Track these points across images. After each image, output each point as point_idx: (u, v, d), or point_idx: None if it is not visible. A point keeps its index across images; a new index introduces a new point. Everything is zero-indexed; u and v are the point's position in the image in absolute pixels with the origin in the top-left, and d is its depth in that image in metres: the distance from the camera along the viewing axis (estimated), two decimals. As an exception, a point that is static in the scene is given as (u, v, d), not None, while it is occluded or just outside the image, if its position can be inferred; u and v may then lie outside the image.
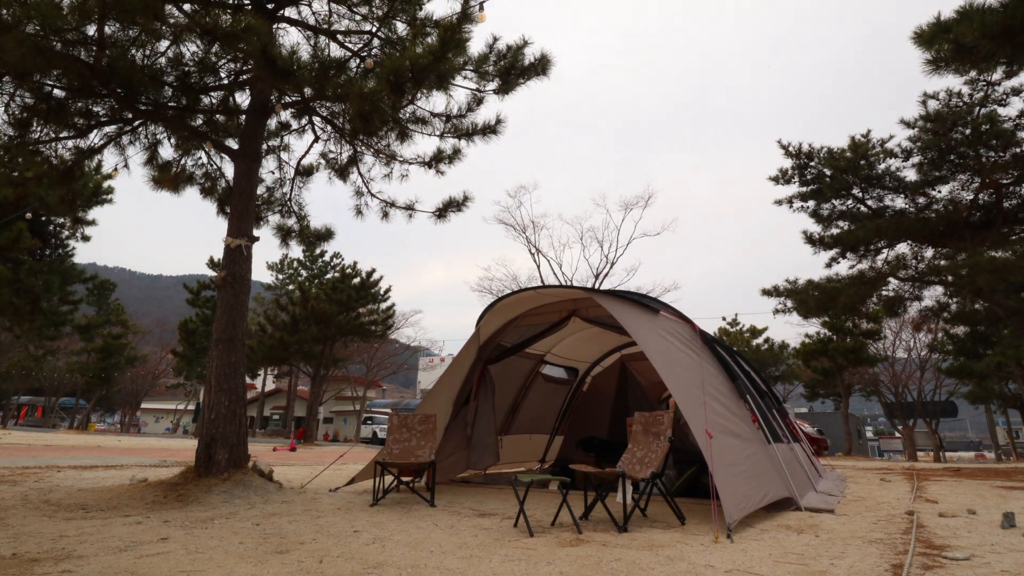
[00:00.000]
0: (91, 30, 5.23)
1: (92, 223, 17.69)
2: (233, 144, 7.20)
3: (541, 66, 6.57)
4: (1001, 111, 11.44)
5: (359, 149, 7.98)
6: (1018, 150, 11.37)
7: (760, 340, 35.40)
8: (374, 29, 6.91)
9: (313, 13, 7.08)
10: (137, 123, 7.03)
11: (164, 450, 14.62)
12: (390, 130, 7.23)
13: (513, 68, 6.54)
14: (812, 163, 14.17)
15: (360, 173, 8.23)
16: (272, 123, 7.95)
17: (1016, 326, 13.24)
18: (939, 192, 13.08)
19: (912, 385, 33.76)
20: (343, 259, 39.71)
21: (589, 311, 7.34)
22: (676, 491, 6.13)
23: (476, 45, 7.45)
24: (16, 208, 12.06)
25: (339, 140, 7.91)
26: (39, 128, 6.45)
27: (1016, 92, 11.22)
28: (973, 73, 9.80)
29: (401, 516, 4.66)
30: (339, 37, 6.98)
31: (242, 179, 6.42)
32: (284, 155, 8.48)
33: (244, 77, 7.04)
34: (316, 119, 7.70)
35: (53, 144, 6.78)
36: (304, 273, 37.56)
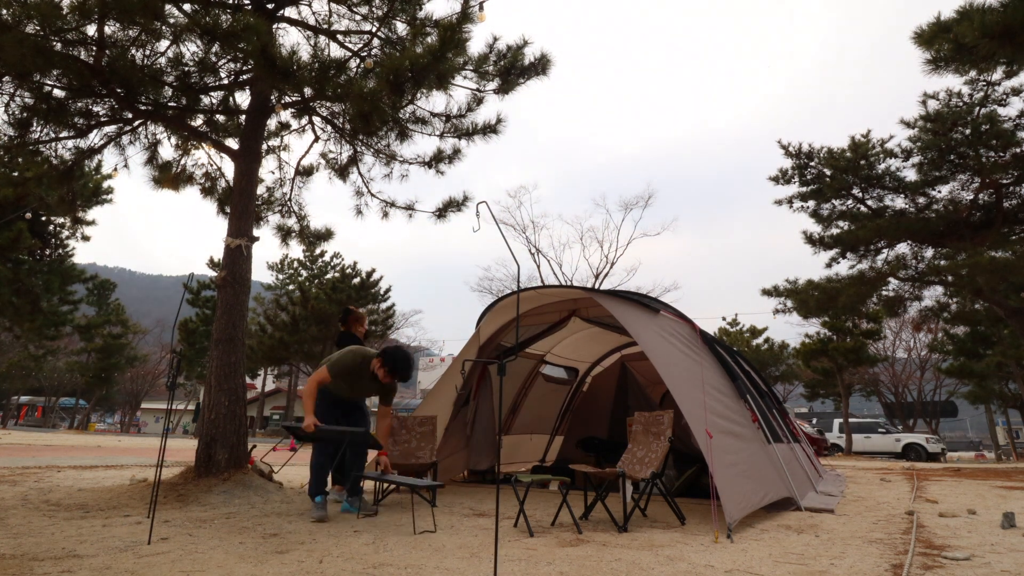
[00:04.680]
0: (91, 30, 5.23)
1: (92, 223, 17.70)
2: (233, 144, 7.19)
3: (541, 66, 6.56)
4: (1001, 111, 11.46)
5: (359, 149, 7.98)
6: (1018, 150, 11.38)
7: (760, 340, 35.41)
8: (374, 29, 6.91)
9: (313, 13, 7.08)
10: (137, 123, 7.03)
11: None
12: (390, 130, 7.23)
13: (513, 68, 6.54)
14: (812, 163, 14.18)
15: (360, 173, 8.24)
16: (272, 123, 7.95)
17: (1016, 326, 13.25)
18: (939, 192, 13.10)
19: (912, 385, 33.80)
20: (343, 259, 39.76)
21: (589, 311, 7.33)
22: (676, 491, 6.13)
23: (476, 45, 7.44)
24: (16, 208, 12.06)
25: (339, 140, 7.91)
26: (39, 128, 6.44)
27: (1016, 92, 11.22)
28: (973, 73, 9.80)
29: (401, 516, 4.66)
30: (339, 37, 6.98)
31: (242, 179, 6.42)
32: (284, 155, 8.49)
33: (244, 77, 7.03)
34: (316, 119, 7.70)
35: (53, 144, 6.78)
36: (304, 273, 37.57)
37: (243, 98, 7.39)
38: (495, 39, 6.55)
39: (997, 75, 10.78)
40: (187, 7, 5.77)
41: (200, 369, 32.36)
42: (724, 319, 37.50)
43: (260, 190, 8.08)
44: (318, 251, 36.44)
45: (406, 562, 3.09)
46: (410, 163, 7.90)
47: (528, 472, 6.79)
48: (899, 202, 13.75)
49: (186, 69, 6.48)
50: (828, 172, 13.82)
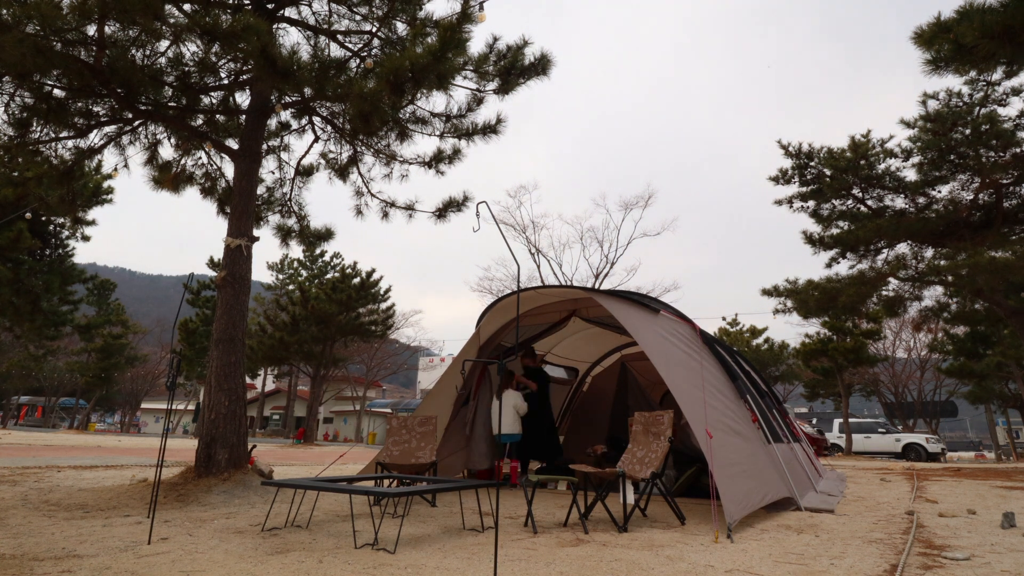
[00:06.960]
0: (91, 30, 5.23)
1: (92, 223, 17.66)
2: (233, 144, 7.19)
3: (541, 66, 6.56)
4: (1001, 111, 11.44)
5: (359, 149, 7.98)
6: (1018, 150, 11.37)
7: (760, 340, 35.38)
8: (374, 29, 6.91)
9: (313, 13, 7.08)
10: (137, 123, 7.03)
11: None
12: (390, 130, 7.23)
13: (513, 68, 6.54)
14: (812, 163, 14.18)
15: (360, 173, 8.24)
16: (272, 123, 7.95)
17: (1016, 326, 13.24)
18: (939, 192, 13.08)
19: (912, 385, 33.79)
20: (343, 259, 39.79)
21: (589, 311, 7.34)
22: (676, 491, 6.13)
23: (476, 45, 7.46)
24: (16, 208, 12.05)
25: (339, 140, 7.91)
26: (39, 128, 6.45)
27: (1016, 92, 11.21)
28: (973, 73, 9.80)
29: (401, 517, 4.66)
30: (339, 37, 6.98)
31: (242, 179, 6.42)
32: (284, 155, 8.49)
33: (244, 77, 7.04)
34: (316, 119, 7.70)
35: (53, 144, 6.78)
36: (304, 273, 37.58)
37: (243, 98, 7.40)
38: (495, 39, 6.55)
39: (997, 75, 10.77)
40: (187, 7, 5.77)
41: (200, 369, 32.35)
42: (724, 319, 37.47)
43: (260, 190, 8.09)
44: (318, 251, 36.48)
45: (406, 562, 3.09)
46: (410, 163, 7.90)
47: (535, 472, 6.80)
48: (899, 202, 13.74)
49: (186, 69, 6.49)
50: (828, 172, 13.81)
